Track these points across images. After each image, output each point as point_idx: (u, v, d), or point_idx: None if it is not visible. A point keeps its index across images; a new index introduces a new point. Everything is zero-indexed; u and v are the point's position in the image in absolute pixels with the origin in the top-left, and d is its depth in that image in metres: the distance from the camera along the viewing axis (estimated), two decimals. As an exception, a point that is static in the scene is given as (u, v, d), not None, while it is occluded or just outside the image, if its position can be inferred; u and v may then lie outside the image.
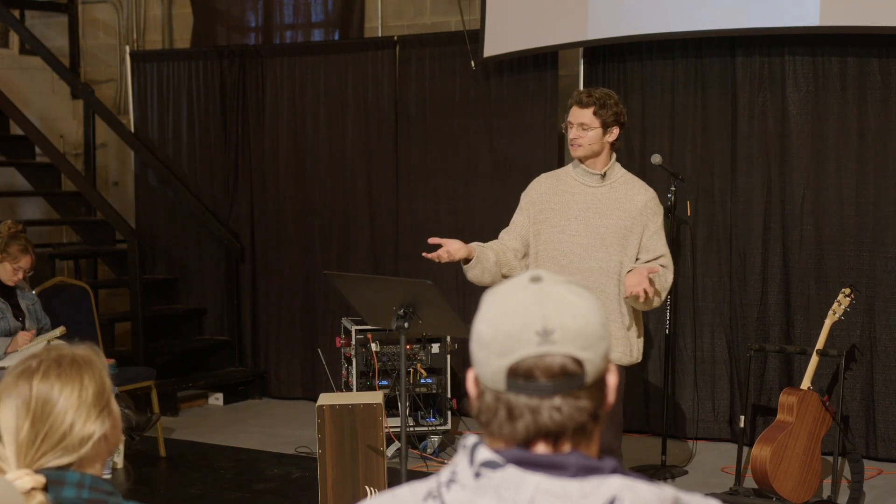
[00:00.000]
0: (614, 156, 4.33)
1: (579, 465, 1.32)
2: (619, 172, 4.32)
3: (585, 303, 1.36)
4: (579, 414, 1.34)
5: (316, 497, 4.72)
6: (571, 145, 4.29)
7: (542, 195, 4.33)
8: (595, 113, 4.24)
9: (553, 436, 1.34)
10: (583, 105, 4.27)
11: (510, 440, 1.35)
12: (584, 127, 4.24)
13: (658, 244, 4.24)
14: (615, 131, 4.27)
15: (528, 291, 1.36)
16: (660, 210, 4.31)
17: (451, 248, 4.13)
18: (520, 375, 1.33)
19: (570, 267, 4.17)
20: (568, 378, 1.33)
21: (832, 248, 6.17)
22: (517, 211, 4.40)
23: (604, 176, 4.26)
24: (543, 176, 4.44)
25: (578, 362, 1.34)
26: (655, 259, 4.21)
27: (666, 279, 4.18)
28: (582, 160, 4.28)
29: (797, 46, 6.18)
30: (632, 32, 6.40)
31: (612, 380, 1.39)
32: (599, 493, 1.31)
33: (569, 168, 4.39)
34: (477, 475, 1.34)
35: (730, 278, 6.44)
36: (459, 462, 1.37)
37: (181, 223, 8.23)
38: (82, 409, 1.85)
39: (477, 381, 1.39)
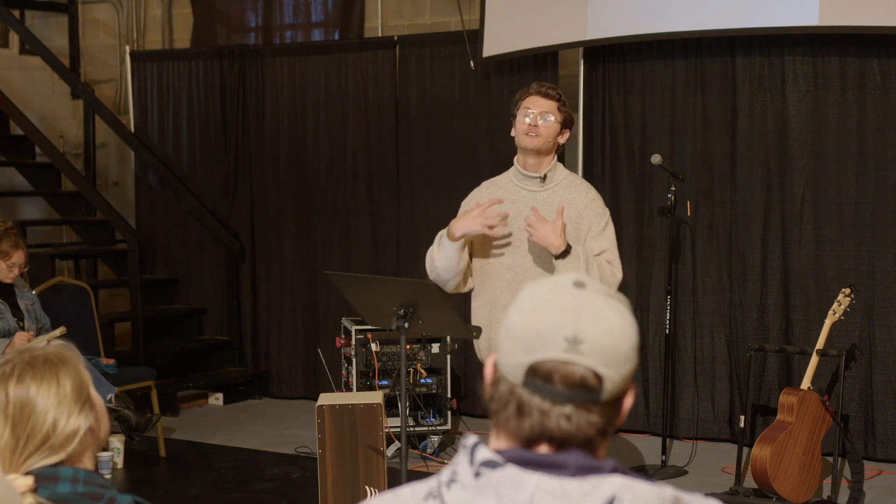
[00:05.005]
0: (556, 158, 4.14)
1: (579, 464, 1.32)
2: (561, 175, 4.11)
3: (621, 321, 1.35)
4: (588, 427, 1.33)
5: (316, 497, 4.72)
6: (528, 135, 4.02)
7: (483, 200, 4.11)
8: (559, 109, 4.06)
9: (557, 442, 1.34)
10: (548, 97, 4.07)
11: (514, 436, 1.35)
12: (545, 116, 4.03)
13: (601, 241, 4.02)
14: (566, 134, 4.11)
15: (568, 295, 1.35)
16: (604, 211, 4.09)
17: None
18: (539, 375, 1.33)
19: (520, 277, 4.00)
20: (585, 390, 1.33)
21: (832, 248, 6.17)
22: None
23: (544, 179, 4.07)
24: (485, 184, 4.22)
25: (599, 377, 1.33)
26: (598, 255, 4.00)
27: (613, 275, 3.98)
28: (532, 154, 4.05)
29: (797, 46, 6.18)
30: (632, 32, 6.40)
31: (629, 403, 1.39)
32: (599, 492, 1.31)
33: (509, 174, 4.17)
34: (477, 475, 1.33)
35: (729, 278, 6.44)
36: (460, 462, 1.37)
37: (181, 223, 8.23)
38: (63, 407, 1.85)
39: (496, 367, 1.39)
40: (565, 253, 3.89)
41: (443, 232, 4.08)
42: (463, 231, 3.99)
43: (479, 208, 4.00)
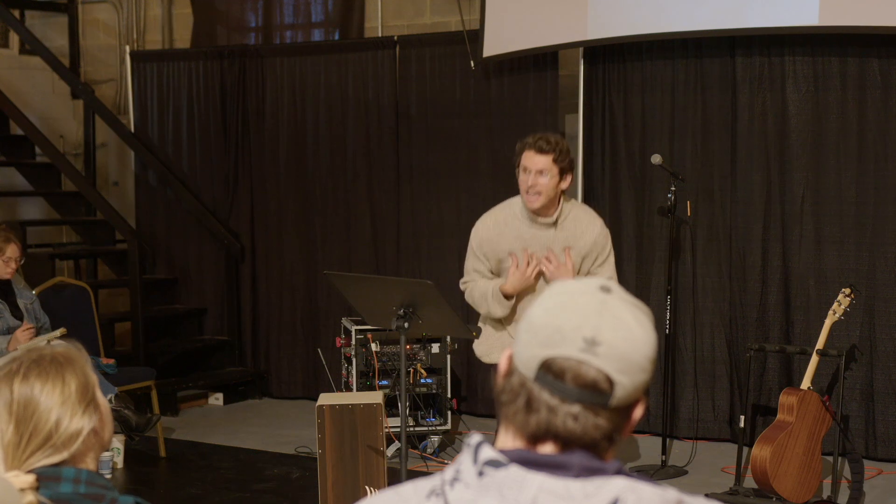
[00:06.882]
0: (561, 200, 4.32)
1: (582, 465, 1.32)
2: (567, 211, 4.30)
3: (642, 331, 1.36)
4: (594, 430, 1.34)
5: (316, 497, 4.72)
6: (527, 194, 4.20)
7: (498, 243, 4.30)
8: (554, 161, 4.19)
9: (562, 441, 1.34)
10: (541, 151, 4.19)
11: (521, 431, 1.35)
12: (542, 174, 4.18)
13: (605, 269, 4.36)
14: (568, 178, 4.26)
15: (594, 298, 1.36)
16: (609, 238, 4.41)
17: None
18: (551, 371, 1.34)
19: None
20: (594, 392, 1.33)
21: (832, 248, 6.17)
22: (474, 258, 4.36)
23: (555, 223, 4.29)
24: (488, 218, 4.38)
25: (611, 382, 1.34)
26: None
27: None
28: (538, 211, 4.25)
29: (797, 46, 6.18)
30: (632, 32, 6.40)
31: (638, 413, 1.40)
32: (602, 493, 1.31)
33: (514, 209, 4.34)
34: (480, 474, 1.33)
35: (730, 278, 6.44)
36: (463, 460, 1.36)
37: (181, 223, 8.22)
38: (67, 407, 1.85)
39: (511, 359, 1.40)
40: None
41: (493, 289, 4.31)
42: (516, 291, 4.29)
43: (521, 271, 4.27)
